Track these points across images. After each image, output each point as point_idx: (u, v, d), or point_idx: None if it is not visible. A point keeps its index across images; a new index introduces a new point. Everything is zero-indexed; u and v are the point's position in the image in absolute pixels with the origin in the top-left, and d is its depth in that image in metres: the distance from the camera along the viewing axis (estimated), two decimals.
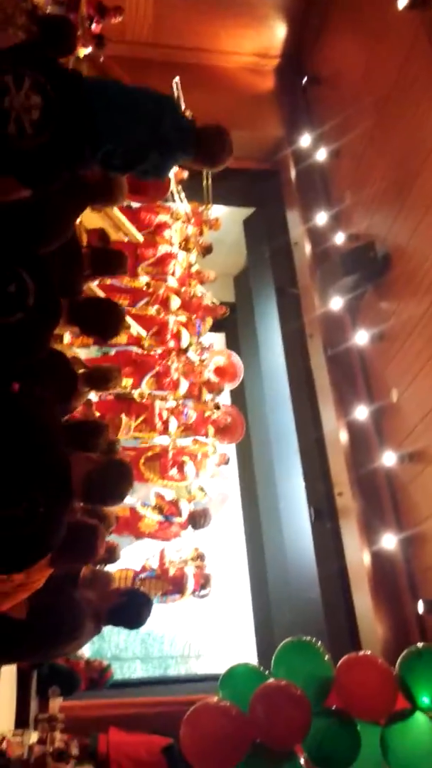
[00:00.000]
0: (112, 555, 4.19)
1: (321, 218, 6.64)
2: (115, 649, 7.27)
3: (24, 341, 2.25)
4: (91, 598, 2.77)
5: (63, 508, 2.07)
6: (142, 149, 2.32)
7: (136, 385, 5.73)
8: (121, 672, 6.85)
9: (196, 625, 7.79)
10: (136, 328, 5.56)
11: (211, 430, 6.06)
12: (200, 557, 5.49)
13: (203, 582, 5.34)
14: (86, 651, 5.32)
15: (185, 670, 7.65)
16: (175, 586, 5.21)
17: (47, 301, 2.27)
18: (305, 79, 7.20)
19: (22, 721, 3.68)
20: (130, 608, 2.84)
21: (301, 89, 7.28)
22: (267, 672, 3.13)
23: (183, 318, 6.16)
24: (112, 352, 5.99)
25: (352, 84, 6.27)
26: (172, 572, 5.29)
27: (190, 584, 5.22)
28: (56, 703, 4.03)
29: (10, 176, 2.15)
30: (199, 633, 7.85)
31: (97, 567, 3.57)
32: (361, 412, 5.75)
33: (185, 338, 6.01)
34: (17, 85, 2.05)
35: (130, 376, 5.70)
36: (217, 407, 6.09)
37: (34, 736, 3.63)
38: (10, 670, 3.40)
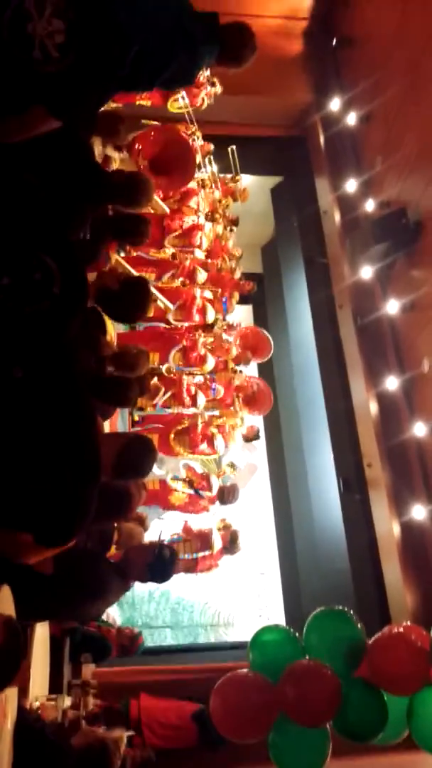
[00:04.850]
0: (141, 525, 4.23)
1: (351, 185, 6.48)
2: (146, 618, 7.39)
3: (52, 328, 2.26)
4: (120, 555, 2.83)
5: (92, 488, 2.12)
6: (168, 49, 2.29)
7: (163, 359, 5.74)
8: (151, 640, 6.98)
9: (225, 594, 7.89)
10: (163, 302, 5.54)
11: (238, 400, 6.04)
12: (226, 528, 5.50)
13: (231, 538, 5.36)
14: (117, 619, 5.42)
15: (214, 639, 7.77)
16: (202, 542, 5.25)
17: (73, 287, 2.27)
18: (335, 40, 6.97)
19: (55, 687, 3.76)
20: (156, 566, 2.88)
21: (330, 52, 7.04)
22: (297, 634, 3.13)
23: (209, 294, 6.11)
24: (140, 327, 5.98)
25: (384, 44, 6.05)
26: (196, 530, 5.33)
27: (217, 540, 5.25)
28: (89, 669, 4.11)
29: (38, 106, 2.14)
30: (228, 602, 7.94)
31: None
32: (392, 383, 5.67)
33: (210, 314, 5.97)
34: (39, 12, 2.05)
35: (156, 351, 5.70)
36: (235, 371, 6.07)
37: (67, 701, 3.72)
38: (44, 637, 3.48)
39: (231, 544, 5.37)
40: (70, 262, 2.26)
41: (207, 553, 5.25)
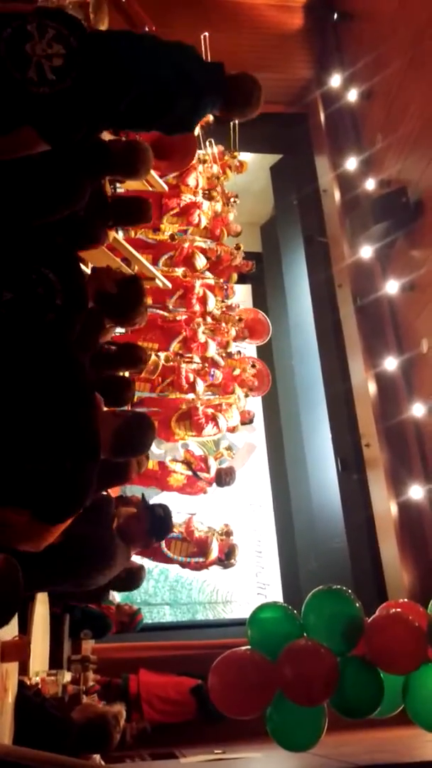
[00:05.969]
0: None
1: (351, 164, 6.43)
2: (145, 595, 7.45)
3: (58, 337, 2.31)
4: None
5: (92, 467, 2.14)
6: (170, 94, 2.27)
7: (163, 350, 5.69)
8: (150, 617, 7.04)
9: (223, 572, 7.95)
10: (161, 280, 5.49)
11: (239, 390, 6.03)
12: (227, 534, 5.47)
13: (228, 551, 5.34)
14: (117, 596, 5.46)
15: (213, 616, 7.84)
16: (199, 548, 5.23)
17: (74, 296, 2.33)
18: (336, 14, 6.85)
19: (56, 662, 3.80)
20: (155, 530, 2.91)
21: (331, 26, 6.93)
22: (295, 612, 3.16)
23: (210, 280, 6.05)
24: None
25: (386, 19, 5.95)
26: (197, 535, 5.31)
27: (215, 549, 5.24)
28: (88, 645, 4.16)
29: (27, 127, 2.12)
30: (226, 580, 8.01)
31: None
32: (390, 363, 5.68)
33: (211, 302, 5.92)
34: (40, 34, 2.05)
35: (155, 341, 5.66)
36: (253, 365, 6.06)
37: (67, 676, 3.76)
38: (44, 614, 3.51)
39: (227, 557, 5.34)
40: (69, 273, 2.32)
41: (200, 559, 5.25)
